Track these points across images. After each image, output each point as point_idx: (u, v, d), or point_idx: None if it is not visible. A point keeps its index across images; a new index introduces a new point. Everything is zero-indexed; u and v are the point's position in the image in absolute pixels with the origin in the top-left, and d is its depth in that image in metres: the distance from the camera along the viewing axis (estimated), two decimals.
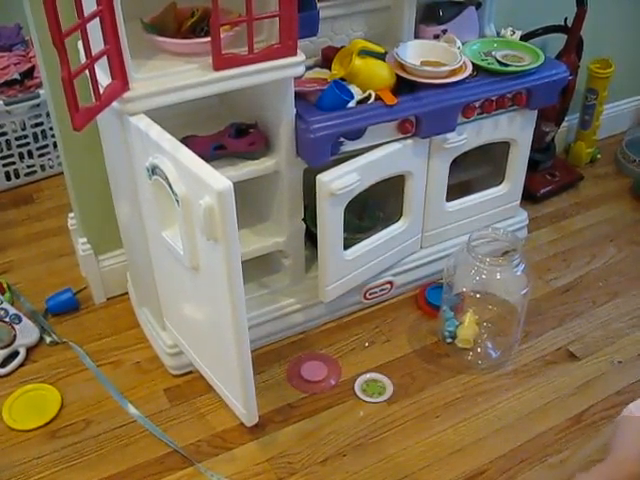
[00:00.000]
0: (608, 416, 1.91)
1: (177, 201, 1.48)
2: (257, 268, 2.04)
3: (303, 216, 1.96)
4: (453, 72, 1.96)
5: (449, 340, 2.06)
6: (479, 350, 2.05)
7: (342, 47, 1.93)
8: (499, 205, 2.31)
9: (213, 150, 1.77)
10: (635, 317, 2.25)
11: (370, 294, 2.16)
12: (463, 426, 1.88)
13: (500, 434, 1.86)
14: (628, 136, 3.10)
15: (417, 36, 2.08)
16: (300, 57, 1.67)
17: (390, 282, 2.18)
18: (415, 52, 1.99)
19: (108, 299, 2.27)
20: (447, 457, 1.80)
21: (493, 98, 2.03)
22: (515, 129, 2.17)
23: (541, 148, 2.72)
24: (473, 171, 2.30)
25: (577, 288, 2.35)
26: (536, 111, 2.20)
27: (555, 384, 2.00)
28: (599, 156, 3.02)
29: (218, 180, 1.36)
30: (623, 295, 2.33)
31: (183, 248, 1.56)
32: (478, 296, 2.02)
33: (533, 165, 2.67)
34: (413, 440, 1.84)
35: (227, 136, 1.79)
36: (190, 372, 2.00)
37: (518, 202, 2.38)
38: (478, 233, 1.97)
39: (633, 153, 2.96)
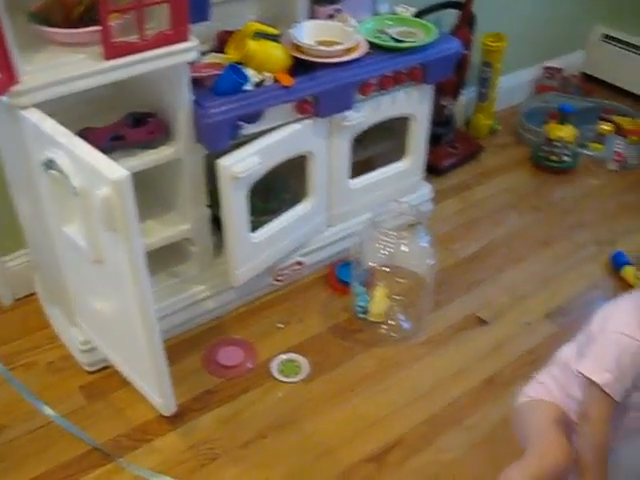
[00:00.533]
0: (520, 376, 1.95)
1: (75, 194, 1.45)
2: (166, 257, 2.02)
3: (209, 202, 1.95)
4: (348, 50, 1.98)
5: (361, 315, 2.08)
6: (391, 322, 2.08)
7: (236, 31, 1.92)
8: (403, 180, 2.35)
9: (111, 141, 1.74)
10: (539, 279, 2.33)
11: (281, 275, 2.17)
12: (380, 398, 1.91)
13: (416, 402, 1.90)
14: (526, 107, 3.19)
15: (312, 16, 2.09)
16: (193, 42, 1.66)
17: (300, 262, 2.19)
18: (310, 32, 2.00)
19: (16, 300, 2.21)
20: (366, 429, 1.83)
21: (389, 74, 2.05)
22: (413, 104, 2.20)
23: (441, 122, 2.77)
24: (375, 147, 2.34)
25: (483, 256, 2.41)
26: (433, 86, 2.24)
27: (467, 349, 2.06)
28: (498, 127, 3.09)
29: (114, 170, 1.34)
30: (527, 259, 2.41)
31: (85, 242, 1.54)
32: (387, 270, 2.05)
33: (435, 139, 2.71)
34: (332, 416, 1.86)
35: (125, 126, 1.77)
36: (105, 367, 1.97)
37: (421, 176, 2.43)
38: (382, 208, 2.00)
39: (531, 123, 3.05)
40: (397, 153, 2.34)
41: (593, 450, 1.29)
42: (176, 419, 1.84)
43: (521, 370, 1.99)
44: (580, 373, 1.29)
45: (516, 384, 1.92)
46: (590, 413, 1.29)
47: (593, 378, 1.25)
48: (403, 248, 1.94)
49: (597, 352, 1.27)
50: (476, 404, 1.90)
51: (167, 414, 1.81)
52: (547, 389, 1.48)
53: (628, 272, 2.32)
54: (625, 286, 2.30)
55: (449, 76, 2.24)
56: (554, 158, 2.87)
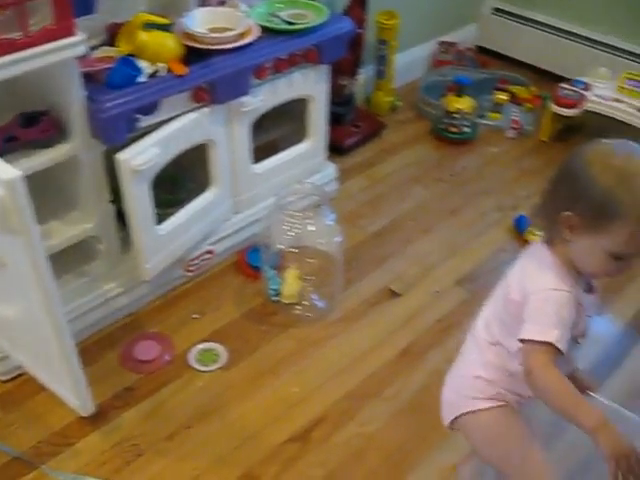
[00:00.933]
0: (434, 344, 2.03)
1: None
2: (73, 257, 1.98)
3: (112, 197, 1.93)
4: (241, 36, 1.98)
5: (275, 298, 2.10)
6: (305, 303, 2.11)
7: (126, 23, 1.89)
8: (306, 161, 2.36)
9: (5, 143, 1.70)
10: (447, 248, 2.39)
11: (192, 265, 2.16)
12: (300, 378, 1.93)
13: (335, 379, 1.93)
14: (424, 82, 3.24)
15: (203, 4, 2.08)
16: (79, 37, 1.63)
17: (210, 251, 2.19)
18: (202, 20, 1.99)
19: None
20: (288, 410, 1.85)
21: (284, 57, 2.06)
22: (310, 85, 2.22)
23: (341, 101, 2.80)
24: (276, 131, 2.35)
25: (391, 230, 2.45)
26: (328, 66, 2.26)
27: (381, 323, 2.10)
28: (399, 103, 3.14)
29: (5, 171, 1.31)
30: (433, 230, 2.47)
31: None
32: (296, 251, 2.06)
33: (336, 119, 2.74)
34: (254, 400, 1.88)
35: (16, 127, 1.73)
36: (20, 375, 1.93)
37: (325, 156, 2.45)
38: (286, 191, 2.02)
39: (430, 97, 3.10)
40: (299, 135, 2.36)
41: (567, 396, 1.24)
42: (97, 419, 1.82)
43: (435, 338, 2.05)
44: (528, 340, 1.23)
45: (431, 352, 2.00)
46: (542, 370, 1.24)
47: (545, 339, 1.21)
48: (310, 228, 1.96)
49: (535, 315, 1.24)
50: (394, 375, 1.94)
51: (86, 415, 1.79)
52: (487, 380, 1.38)
53: (531, 235, 2.40)
54: None
55: (343, 55, 2.27)
56: (454, 130, 2.93)
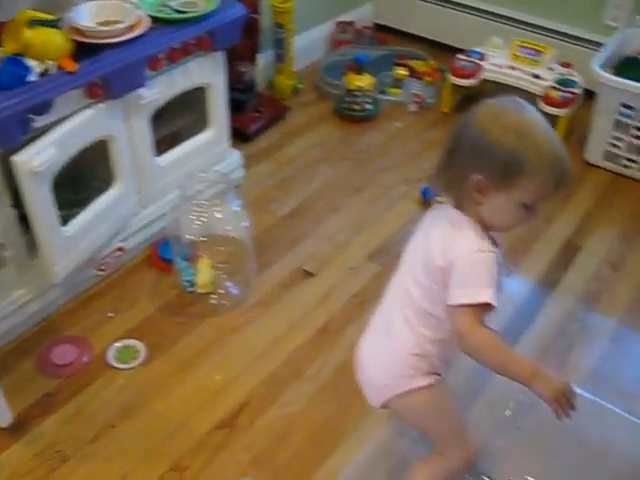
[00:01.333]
0: (351, 319, 2.06)
1: None
2: None
3: (13, 202, 1.88)
4: (131, 28, 1.95)
5: (190, 289, 2.09)
6: (221, 291, 2.11)
7: (9, 21, 1.84)
8: (210, 150, 2.35)
9: None
10: (357, 225, 2.43)
11: (103, 264, 2.13)
12: (221, 366, 1.94)
13: (256, 363, 1.94)
14: (324, 62, 3.26)
15: None
16: None
17: (120, 248, 2.16)
18: (91, 14, 1.96)
19: None
20: (212, 399, 1.85)
21: (177, 47, 2.05)
22: (207, 73, 2.21)
23: (243, 88, 2.80)
24: (178, 122, 2.33)
25: (301, 211, 2.47)
26: (224, 53, 2.25)
27: (297, 304, 2.12)
28: (301, 86, 3.15)
29: None
30: (342, 208, 2.50)
31: None
32: (206, 240, 2.06)
33: (239, 105, 2.75)
34: (177, 392, 1.87)
35: None
36: None
37: (228, 144, 2.44)
38: (189, 181, 2.01)
39: (330, 77, 3.12)
40: (201, 124, 2.34)
41: (502, 352, 1.29)
42: (18, 429, 1.78)
43: (351, 314, 2.08)
44: (461, 305, 1.25)
45: (348, 328, 2.02)
46: (477, 331, 1.27)
47: (480, 300, 1.23)
48: (217, 215, 1.96)
49: (466, 279, 1.25)
50: (313, 354, 1.96)
51: (4, 426, 1.75)
52: (421, 356, 1.37)
53: (437, 202, 2.45)
54: None
55: (238, 41, 2.26)
56: (356, 108, 2.96)
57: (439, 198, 2.33)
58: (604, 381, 1.94)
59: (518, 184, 1.23)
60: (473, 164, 1.25)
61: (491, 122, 1.23)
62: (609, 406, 1.41)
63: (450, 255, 1.27)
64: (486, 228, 1.30)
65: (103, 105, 1.92)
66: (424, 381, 1.37)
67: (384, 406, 1.44)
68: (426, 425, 1.46)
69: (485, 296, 1.23)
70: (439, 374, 1.39)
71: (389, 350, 1.40)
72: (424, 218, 1.42)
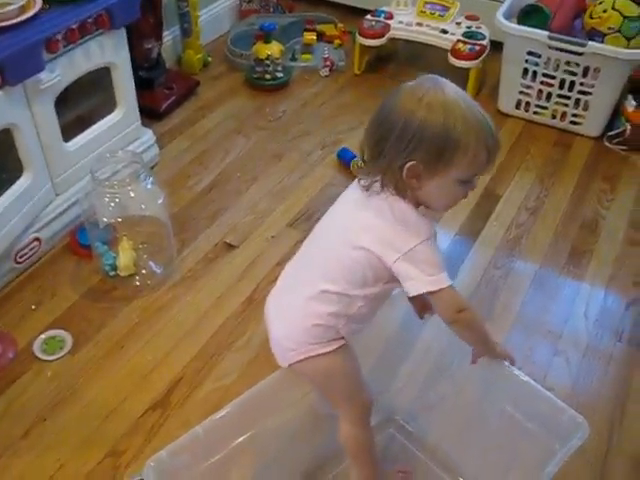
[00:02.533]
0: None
1: None
2: None
3: None
4: (23, 9, 1.89)
5: (112, 273, 2.06)
6: (144, 272, 2.08)
7: None
8: (121, 130, 2.31)
9: None
10: (276, 193, 2.42)
11: (21, 257, 2.08)
12: (150, 346, 1.92)
13: (185, 340, 1.93)
14: (232, 34, 3.23)
15: None
16: None
17: (37, 238, 2.11)
18: None
19: None
20: (143, 380, 1.83)
21: (74, 26, 1.99)
22: (109, 52, 2.16)
23: (150, 66, 2.75)
24: (85, 104, 2.27)
25: (219, 184, 2.45)
26: (125, 30, 2.20)
27: (222, 277, 2.11)
28: (210, 59, 3.11)
29: None
30: (261, 178, 2.49)
31: None
32: (124, 222, 2.03)
33: (148, 83, 2.71)
34: (108, 377, 1.84)
35: None
36: None
37: (139, 122, 2.40)
38: (99, 163, 1.97)
39: (239, 48, 3.10)
40: (109, 105, 2.30)
41: (483, 327, 1.37)
42: None
43: (275, 281, 2.06)
44: (438, 290, 1.26)
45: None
46: (460, 306, 1.30)
47: (443, 286, 1.25)
48: (131, 194, 1.93)
49: (424, 267, 1.25)
50: (242, 325, 1.96)
51: None
52: (326, 327, 1.35)
53: (356, 165, 2.47)
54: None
55: (138, 17, 2.21)
56: (268, 77, 2.95)
57: (359, 162, 2.35)
58: (531, 323, 2.00)
59: (453, 162, 1.21)
60: (404, 151, 1.21)
61: (415, 104, 1.20)
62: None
63: (401, 246, 1.25)
64: (425, 208, 1.29)
65: (1, 93, 1.85)
66: (327, 348, 1.36)
67: (291, 367, 1.43)
68: (327, 385, 1.44)
69: (445, 281, 1.26)
70: (344, 338, 1.37)
71: (294, 317, 1.38)
72: (349, 192, 1.38)
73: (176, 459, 1.30)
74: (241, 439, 1.42)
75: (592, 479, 1.64)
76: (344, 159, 2.51)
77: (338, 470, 1.61)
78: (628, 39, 2.57)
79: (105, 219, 1.98)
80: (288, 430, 1.51)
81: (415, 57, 3.21)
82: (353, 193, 1.34)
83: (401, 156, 1.21)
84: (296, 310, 1.37)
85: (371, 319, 1.41)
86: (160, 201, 1.98)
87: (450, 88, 1.23)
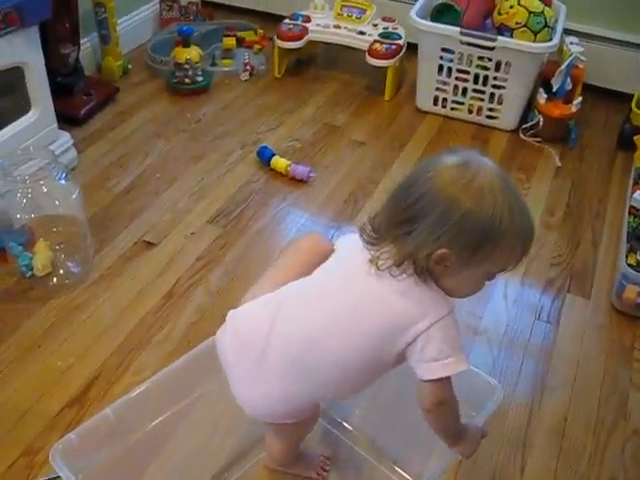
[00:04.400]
0: (195, 282, 2.06)
1: None
2: None
3: None
4: None
5: (29, 274, 2.02)
6: (61, 272, 2.04)
7: None
8: (36, 132, 2.26)
9: None
10: (196, 192, 2.41)
11: None
12: (68, 344, 1.87)
13: (104, 337, 1.89)
14: (153, 41, 3.23)
15: None
16: None
17: None
18: None
19: None
20: (60, 378, 1.79)
21: None
22: (21, 51, 2.13)
23: (68, 72, 2.72)
24: None
25: (138, 186, 2.43)
26: (37, 29, 2.17)
27: (141, 274, 2.08)
28: (130, 66, 3.10)
29: None
30: (181, 178, 2.48)
31: None
32: (40, 221, 1.99)
33: (66, 89, 2.68)
34: (23, 377, 1.79)
35: None
36: None
37: (55, 125, 2.36)
38: (10, 158, 1.93)
39: (159, 55, 3.09)
40: (24, 106, 2.26)
41: (456, 423, 1.27)
42: None
43: (196, 276, 2.07)
44: (441, 378, 1.16)
45: (194, 289, 2.02)
46: (446, 396, 1.20)
47: (459, 369, 1.16)
48: (44, 189, 1.89)
49: (443, 348, 1.15)
50: (161, 320, 1.94)
51: None
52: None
53: (277, 162, 2.48)
54: (277, 175, 2.48)
55: (49, 17, 2.19)
56: (187, 81, 2.94)
57: (276, 158, 2.36)
58: None
59: (490, 257, 1.10)
60: (439, 239, 1.07)
61: (461, 191, 1.06)
62: None
63: (415, 330, 1.14)
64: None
65: None
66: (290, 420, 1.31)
67: None
68: (280, 431, 1.43)
69: (463, 364, 1.16)
70: None
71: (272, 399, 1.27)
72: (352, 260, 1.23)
73: (85, 441, 1.27)
74: (155, 423, 1.40)
75: (514, 449, 1.67)
76: (263, 157, 2.51)
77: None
78: (535, 33, 2.65)
79: (19, 216, 1.93)
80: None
81: (334, 60, 3.26)
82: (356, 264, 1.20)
83: (433, 242, 1.08)
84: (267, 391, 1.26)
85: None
86: (74, 196, 1.94)
87: (497, 172, 1.10)
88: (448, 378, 1.17)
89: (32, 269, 2.01)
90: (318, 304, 1.22)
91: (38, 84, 2.24)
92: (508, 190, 1.10)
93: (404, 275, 1.13)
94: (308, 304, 1.23)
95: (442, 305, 1.15)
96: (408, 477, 1.57)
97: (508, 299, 2.07)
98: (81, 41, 2.78)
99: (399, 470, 1.58)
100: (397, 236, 1.12)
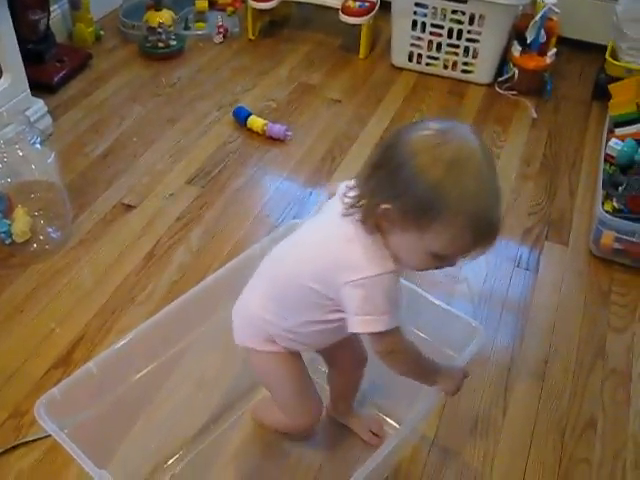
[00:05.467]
0: (177, 241, 2.06)
1: None
2: None
3: None
4: None
5: (8, 241, 2.01)
6: (41, 237, 2.03)
7: None
8: (9, 99, 2.24)
9: None
10: (173, 154, 2.42)
11: None
12: (51, 308, 1.88)
13: (86, 299, 1.90)
14: (124, 6, 3.20)
15: None
16: None
17: None
18: None
19: None
20: (44, 341, 1.79)
21: None
22: None
23: (39, 39, 2.69)
24: None
25: (115, 150, 2.43)
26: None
27: (121, 236, 2.08)
28: (102, 32, 3.07)
29: None
30: (159, 140, 2.48)
31: None
32: (15, 187, 1.98)
33: (38, 57, 2.65)
34: (6, 343, 1.79)
35: None
36: None
37: (28, 92, 2.34)
38: None
39: (131, 19, 3.06)
40: None
41: (417, 367, 1.28)
42: None
43: (177, 236, 2.09)
44: (368, 333, 1.18)
45: (175, 248, 2.02)
46: (393, 348, 1.21)
47: (377, 330, 1.15)
48: (20, 154, 1.89)
49: (363, 305, 1.14)
50: (143, 279, 1.95)
51: None
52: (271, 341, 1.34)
53: (253, 122, 2.48)
54: (253, 135, 2.48)
55: None
56: (161, 45, 2.92)
57: (253, 118, 2.36)
58: None
59: (429, 230, 1.05)
60: (388, 191, 1.06)
61: (424, 152, 1.04)
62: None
63: (337, 278, 1.15)
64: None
65: None
66: (272, 348, 1.33)
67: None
68: (268, 385, 1.45)
69: (382, 325, 1.15)
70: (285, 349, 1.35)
71: (246, 314, 1.36)
72: (324, 212, 1.28)
73: (69, 397, 1.28)
74: (139, 375, 1.41)
75: (496, 394, 1.70)
76: (240, 117, 2.51)
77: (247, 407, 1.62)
78: None
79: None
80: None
81: (308, 20, 3.24)
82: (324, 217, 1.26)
83: (381, 194, 1.07)
84: (248, 311, 1.35)
85: (316, 345, 1.40)
86: (50, 160, 1.94)
87: (479, 154, 1.05)
88: (385, 332, 1.16)
89: (11, 236, 2.01)
90: (293, 237, 1.31)
91: (8, 50, 2.22)
92: (479, 174, 1.05)
93: (358, 222, 1.13)
94: (289, 239, 1.32)
95: (378, 264, 1.12)
96: (393, 423, 1.60)
97: None
98: (51, 8, 2.75)
99: (383, 417, 1.61)
100: (361, 178, 1.13)
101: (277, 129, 2.45)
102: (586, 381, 1.74)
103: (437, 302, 1.48)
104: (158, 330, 1.41)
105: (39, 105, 2.40)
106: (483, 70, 2.79)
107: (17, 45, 2.25)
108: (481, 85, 2.82)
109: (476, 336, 1.40)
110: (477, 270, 2.01)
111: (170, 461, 1.52)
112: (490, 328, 1.84)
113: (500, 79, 2.79)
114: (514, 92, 2.76)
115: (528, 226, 2.18)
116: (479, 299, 1.94)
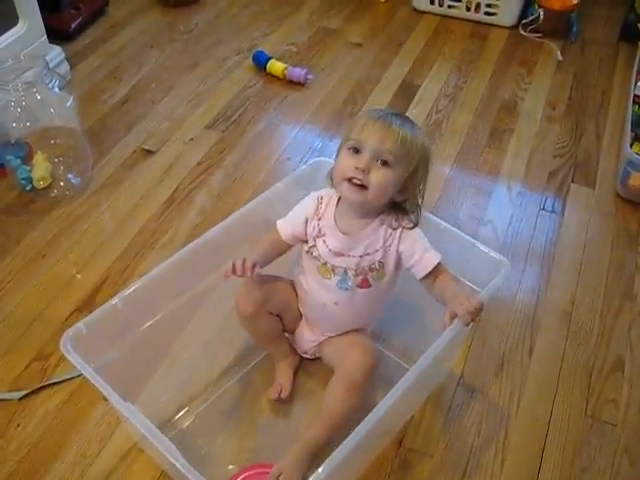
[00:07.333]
0: (197, 185, 2.05)
1: None
2: None
3: None
4: None
5: (29, 187, 2.00)
6: (61, 184, 2.02)
7: None
8: (25, 46, 2.23)
9: None
10: (193, 99, 2.39)
11: None
12: (73, 253, 1.87)
13: (107, 243, 1.89)
14: None
15: None
16: None
17: None
18: None
19: None
20: (67, 285, 1.79)
21: None
22: None
23: None
24: None
25: (134, 96, 2.40)
26: None
27: (142, 181, 2.07)
28: None
29: None
30: (177, 86, 2.45)
31: None
32: (34, 134, 1.95)
33: (54, 4, 2.61)
34: (30, 286, 1.79)
35: None
36: None
37: (45, 38, 2.32)
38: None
39: None
40: (11, 19, 2.21)
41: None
42: None
43: (198, 180, 2.07)
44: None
45: (196, 192, 2.01)
46: None
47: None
48: (38, 97, 1.86)
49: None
50: (165, 223, 1.94)
51: None
52: None
53: (273, 66, 2.44)
54: (273, 79, 2.46)
55: None
56: None
57: (272, 62, 2.32)
58: (454, 197, 2.03)
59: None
60: None
61: None
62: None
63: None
64: None
65: None
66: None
67: None
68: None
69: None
70: None
71: None
72: None
73: (94, 332, 1.27)
74: (163, 314, 1.40)
75: (522, 333, 1.68)
76: (259, 61, 2.48)
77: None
78: None
79: (14, 125, 1.90)
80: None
81: None
82: None
83: None
84: None
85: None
86: (69, 104, 1.91)
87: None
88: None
89: (32, 182, 2.00)
90: None
91: None
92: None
93: None
94: None
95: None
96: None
97: (512, 190, 2.05)
98: None
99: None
100: None
101: (297, 72, 2.41)
102: (614, 322, 1.71)
103: (465, 236, 1.46)
104: (183, 266, 1.40)
105: (57, 52, 2.38)
106: (507, 12, 2.73)
107: None
108: (505, 28, 2.76)
109: (502, 269, 1.38)
110: (502, 211, 1.98)
111: (194, 402, 1.51)
112: (516, 268, 1.82)
113: (524, 21, 2.73)
114: (539, 34, 2.70)
115: (553, 169, 2.14)
116: (504, 238, 1.91)
